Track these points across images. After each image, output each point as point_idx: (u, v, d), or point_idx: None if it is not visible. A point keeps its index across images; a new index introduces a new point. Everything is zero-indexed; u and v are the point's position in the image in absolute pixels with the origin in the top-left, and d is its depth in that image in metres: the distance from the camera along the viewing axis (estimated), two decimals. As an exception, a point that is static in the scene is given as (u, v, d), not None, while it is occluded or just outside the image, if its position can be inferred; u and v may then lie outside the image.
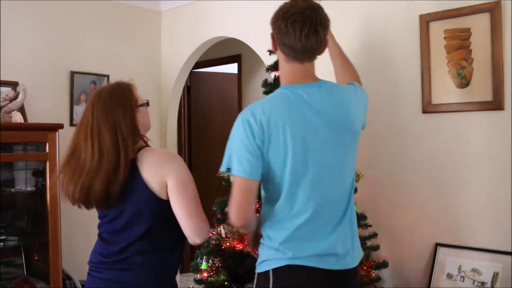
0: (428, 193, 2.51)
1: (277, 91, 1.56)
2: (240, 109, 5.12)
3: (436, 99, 2.47)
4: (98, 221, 1.74)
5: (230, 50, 5.00)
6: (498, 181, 2.29)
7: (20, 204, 3.11)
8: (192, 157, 5.30)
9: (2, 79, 3.08)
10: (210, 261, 2.57)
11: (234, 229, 2.45)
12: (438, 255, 2.44)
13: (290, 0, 1.55)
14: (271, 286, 1.51)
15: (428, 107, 2.50)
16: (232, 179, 1.58)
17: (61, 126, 2.97)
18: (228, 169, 1.50)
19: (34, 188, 3.00)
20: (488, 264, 2.27)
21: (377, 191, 2.65)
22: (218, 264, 2.55)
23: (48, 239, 2.86)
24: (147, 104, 1.80)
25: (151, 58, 4.07)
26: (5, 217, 2.99)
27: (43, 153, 2.92)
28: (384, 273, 2.61)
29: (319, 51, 1.55)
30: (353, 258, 1.57)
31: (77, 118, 3.47)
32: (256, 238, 1.70)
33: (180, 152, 4.94)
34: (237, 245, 2.40)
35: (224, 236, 2.51)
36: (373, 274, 2.46)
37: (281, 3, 1.41)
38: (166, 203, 1.59)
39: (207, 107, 5.39)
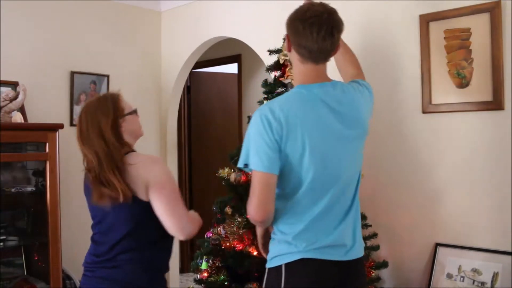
0: (428, 193, 2.51)
1: (293, 90, 1.62)
2: (240, 109, 5.12)
3: (436, 99, 2.47)
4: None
5: (230, 50, 5.00)
6: (498, 181, 2.29)
7: (20, 204, 3.11)
8: (192, 157, 5.30)
9: (2, 79, 3.08)
10: (210, 261, 2.57)
11: (234, 229, 2.46)
12: (438, 255, 2.44)
13: (306, 4, 1.60)
14: (283, 281, 1.54)
15: (428, 107, 2.50)
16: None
17: (61, 126, 2.97)
18: (245, 165, 1.54)
19: (34, 188, 3.00)
20: (488, 264, 2.27)
21: (377, 191, 2.66)
22: (218, 264, 2.55)
23: (48, 239, 2.86)
24: (135, 112, 1.92)
25: (151, 58, 4.07)
26: (5, 217, 2.99)
27: (43, 153, 2.92)
28: (384, 273, 2.61)
29: (333, 53, 1.62)
30: (359, 248, 1.63)
31: (77, 118, 3.47)
32: (266, 235, 1.73)
33: (180, 152, 4.94)
34: (237, 245, 2.40)
35: (224, 236, 2.51)
36: (373, 274, 2.46)
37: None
38: (148, 204, 1.70)
39: (207, 107, 5.39)
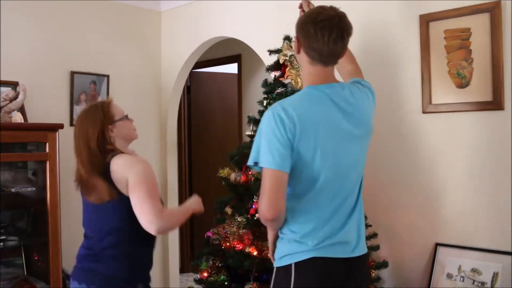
0: (428, 193, 2.51)
1: (303, 90, 1.64)
2: (240, 109, 5.12)
3: (436, 99, 2.47)
4: None
5: (230, 50, 5.00)
6: (498, 181, 2.29)
7: (20, 204, 3.11)
8: (192, 157, 5.30)
9: (2, 79, 3.08)
10: (210, 261, 2.57)
11: (234, 229, 2.46)
12: (438, 255, 2.44)
13: (317, 7, 1.64)
14: (292, 280, 1.55)
15: (428, 107, 2.50)
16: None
17: (61, 126, 2.97)
18: (255, 163, 1.54)
19: (34, 188, 3.00)
20: (488, 264, 2.27)
21: (377, 191, 2.66)
22: (218, 264, 2.55)
23: (48, 239, 2.86)
24: (126, 117, 2.05)
25: (151, 58, 4.07)
26: (5, 217, 3.00)
27: (43, 153, 2.92)
28: (384, 273, 2.61)
29: (342, 56, 1.66)
30: (363, 245, 1.67)
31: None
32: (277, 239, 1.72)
33: (180, 152, 4.94)
34: (237, 245, 2.40)
35: (224, 236, 2.51)
36: (373, 274, 2.46)
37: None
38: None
39: (207, 107, 5.39)
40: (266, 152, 1.51)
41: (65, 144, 3.00)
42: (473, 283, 2.28)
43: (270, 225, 1.62)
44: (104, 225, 1.89)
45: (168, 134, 4.11)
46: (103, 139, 1.92)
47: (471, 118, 2.37)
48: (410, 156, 2.58)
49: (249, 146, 2.51)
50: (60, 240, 2.90)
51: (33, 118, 3.17)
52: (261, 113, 2.54)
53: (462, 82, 2.39)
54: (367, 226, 2.51)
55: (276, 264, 1.63)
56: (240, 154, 2.52)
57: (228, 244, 2.46)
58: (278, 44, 2.60)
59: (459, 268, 2.35)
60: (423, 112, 2.52)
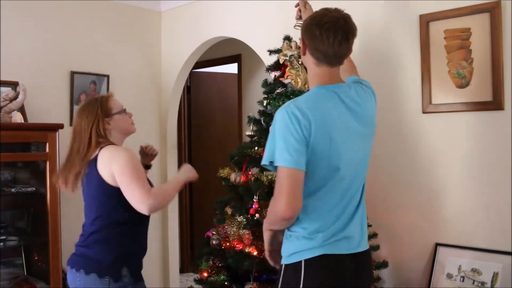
0: (428, 193, 2.51)
1: (313, 90, 1.66)
2: (240, 109, 5.12)
3: (436, 99, 2.47)
4: None
5: (230, 50, 5.00)
6: (498, 181, 2.29)
7: (20, 204, 3.11)
8: (192, 157, 5.30)
9: (2, 79, 3.08)
10: (210, 261, 2.57)
11: (234, 229, 2.46)
12: (438, 255, 2.44)
13: (322, 10, 1.66)
14: (302, 277, 1.56)
15: (428, 107, 2.50)
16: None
17: (61, 126, 2.97)
18: (271, 163, 1.54)
19: (34, 188, 3.00)
20: (488, 264, 2.27)
21: (377, 191, 2.66)
22: (218, 264, 2.55)
23: (48, 239, 2.87)
24: (124, 111, 2.16)
25: (151, 58, 4.07)
26: (5, 217, 3.00)
27: (43, 153, 2.92)
28: (384, 273, 2.61)
29: (347, 57, 1.69)
30: (366, 241, 1.72)
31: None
32: (274, 243, 1.72)
33: (180, 152, 4.94)
34: (237, 245, 2.40)
35: (224, 236, 2.51)
36: (373, 274, 2.46)
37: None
38: (116, 189, 1.96)
39: (207, 107, 5.39)
40: (283, 150, 1.51)
41: (65, 144, 3.00)
42: (473, 283, 2.28)
43: (285, 224, 1.61)
44: (92, 212, 2.03)
45: (168, 134, 4.11)
46: (96, 132, 2.03)
47: (471, 118, 2.37)
48: (410, 156, 2.58)
49: (249, 146, 2.51)
50: (60, 240, 2.90)
51: (33, 118, 3.17)
52: (261, 113, 2.54)
53: (462, 82, 2.39)
54: (367, 226, 2.51)
55: (285, 261, 1.63)
56: (240, 154, 2.52)
57: (228, 244, 2.46)
58: (278, 44, 2.60)
59: (459, 268, 2.35)
60: (423, 112, 2.52)
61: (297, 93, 2.35)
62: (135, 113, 2.31)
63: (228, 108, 5.35)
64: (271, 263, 1.77)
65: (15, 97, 2.87)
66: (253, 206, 2.37)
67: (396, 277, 2.62)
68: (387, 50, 2.67)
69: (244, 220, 2.42)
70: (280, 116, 1.55)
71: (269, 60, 2.66)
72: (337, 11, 1.64)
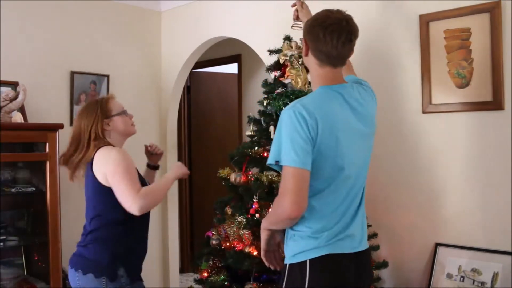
0: (428, 193, 2.51)
1: (319, 90, 1.66)
2: (240, 109, 5.12)
3: (436, 99, 2.47)
4: None
5: (230, 50, 5.00)
6: (498, 181, 2.29)
7: (20, 204, 3.11)
8: (192, 157, 5.30)
9: (2, 79, 3.08)
10: (210, 261, 2.57)
11: (234, 229, 2.46)
12: (438, 255, 2.44)
13: (325, 11, 1.67)
14: (307, 277, 1.57)
15: (428, 107, 2.50)
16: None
17: (61, 126, 2.97)
18: (277, 162, 1.55)
19: (34, 188, 3.00)
20: (488, 264, 2.27)
21: (377, 191, 2.65)
22: (218, 264, 2.55)
23: (48, 239, 2.86)
24: (124, 112, 2.17)
25: (151, 58, 4.07)
26: (5, 217, 3.00)
27: (43, 153, 2.92)
28: (384, 273, 2.61)
29: (349, 57, 1.71)
30: (366, 240, 1.74)
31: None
32: (272, 240, 1.72)
33: (180, 152, 4.94)
34: (237, 245, 2.40)
35: (224, 236, 2.51)
36: (373, 274, 2.46)
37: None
38: (110, 189, 1.99)
39: (207, 107, 5.39)
40: (289, 150, 1.51)
41: (65, 144, 3.00)
42: (473, 283, 2.28)
43: (290, 223, 1.61)
44: (90, 212, 2.07)
45: (168, 134, 4.11)
46: (95, 133, 2.07)
47: (471, 118, 2.37)
48: (410, 156, 2.58)
49: (249, 146, 2.51)
50: (60, 240, 2.90)
51: (33, 118, 3.17)
52: (261, 113, 2.54)
53: (462, 82, 2.39)
54: (367, 226, 2.51)
55: (289, 261, 1.63)
56: (240, 154, 2.52)
57: (228, 244, 2.46)
58: (278, 44, 2.60)
59: (459, 268, 2.35)
60: (423, 112, 2.52)
61: (297, 93, 2.35)
62: (135, 113, 2.31)
63: (228, 108, 5.35)
64: (266, 263, 1.76)
65: (15, 97, 2.87)
66: (253, 206, 2.37)
67: (396, 277, 2.62)
68: (387, 50, 2.67)
69: (244, 220, 2.42)
70: (287, 116, 1.55)
71: (269, 60, 2.66)
72: (339, 12, 1.65)
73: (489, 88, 2.30)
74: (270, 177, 2.35)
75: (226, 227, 2.52)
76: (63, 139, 2.96)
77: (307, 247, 1.59)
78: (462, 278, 2.32)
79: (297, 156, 1.50)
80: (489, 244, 2.31)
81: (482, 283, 2.26)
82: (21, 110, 3.03)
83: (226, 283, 2.48)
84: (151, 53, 4.06)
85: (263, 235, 1.72)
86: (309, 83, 2.43)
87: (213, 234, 2.56)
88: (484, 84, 2.31)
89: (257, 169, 2.49)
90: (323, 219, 1.59)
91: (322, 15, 1.66)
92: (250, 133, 2.57)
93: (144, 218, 2.12)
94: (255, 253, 2.32)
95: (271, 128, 2.43)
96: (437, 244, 2.47)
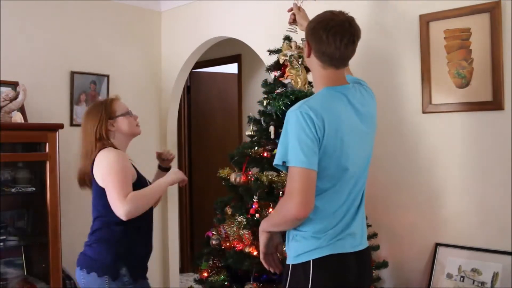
0: (428, 193, 2.51)
1: (323, 91, 1.66)
2: (240, 109, 5.12)
3: (436, 99, 2.47)
4: None
5: (230, 50, 5.00)
6: (498, 181, 2.29)
7: (20, 204, 3.11)
8: (192, 157, 5.30)
9: (2, 79, 3.08)
10: (210, 261, 2.57)
11: (234, 229, 2.46)
12: (438, 255, 2.44)
13: (328, 13, 1.67)
14: (311, 277, 1.57)
15: (428, 107, 2.50)
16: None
17: (61, 126, 2.97)
18: (283, 163, 1.55)
19: (34, 188, 3.00)
20: (488, 264, 2.27)
21: (377, 191, 2.65)
22: (218, 264, 2.55)
23: (48, 239, 2.86)
24: (128, 113, 2.19)
25: (151, 58, 4.07)
26: (5, 217, 2.99)
27: (43, 153, 2.92)
28: (384, 273, 2.61)
29: (351, 58, 1.71)
30: (366, 238, 1.75)
31: (77, 118, 3.47)
32: (271, 243, 1.72)
33: (180, 152, 4.94)
34: (237, 245, 2.40)
35: (224, 236, 2.51)
36: (373, 274, 2.46)
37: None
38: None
39: (207, 107, 5.39)
40: (297, 151, 1.51)
41: (65, 144, 3.01)
42: (473, 283, 2.28)
43: (296, 224, 1.61)
44: (93, 212, 2.12)
45: (168, 134, 4.11)
46: (100, 134, 2.10)
47: (471, 118, 2.37)
48: (410, 156, 2.58)
49: (249, 146, 2.51)
50: (60, 240, 2.90)
51: (33, 118, 3.17)
52: (261, 113, 2.54)
53: (462, 82, 2.39)
54: (367, 226, 2.51)
55: (292, 261, 1.63)
56: (240, 154, 2.52)
57: (228, 244, 2.46)
58: (278, 44, 2.60)
59: (459, 268, 2.35)
60: (423, 112, 2.52)
61: (296, 93, 2.35)
62: (135, 113, 2.31)
63: (228, 108, 5.35)
64: (265, 266, 1.76)
65: (15, 97, 2.87)
66: (253, 206, 2.37)
67: (396, 277, 2.62)
68: (387, 50, 2.67)
69: (244, 220, 2.42)
70: (294, 117, 1.55)
71: (269, 60, 2.66)
72: (342, 14, 1.65)
73: (489, 88, 2.30)
74: (270, 177, 2.35)
75: (226, 227, 2.51)
76: (63, 139, 2.97)
77: (310, 247, 1.59)
78: (462, 278, 2.32)
79: (305, 157, 1.50)
80: (489, 244, 2.31)
81: (482, 283, 2.26)
82: (21, 110, 3.03)
83: (226, 283, 2.48)
84: (151, 53, 4.06)
85: (263, 238, 1.71)
86: (309, 83, 2.44)
87: (213, 234, 2.56)
88: (484, 84, 2.31)
89: (257, 169, 2.48)
90: (326, 219, 1.60)
91: (325, 17, 1.65)
92: (250, 133, 2.57)
93: (146, 218, 2.12)
94: (255, 253, 2.32)
95: (271, 128, 2.43)
96: (437, 244, 2.47)
